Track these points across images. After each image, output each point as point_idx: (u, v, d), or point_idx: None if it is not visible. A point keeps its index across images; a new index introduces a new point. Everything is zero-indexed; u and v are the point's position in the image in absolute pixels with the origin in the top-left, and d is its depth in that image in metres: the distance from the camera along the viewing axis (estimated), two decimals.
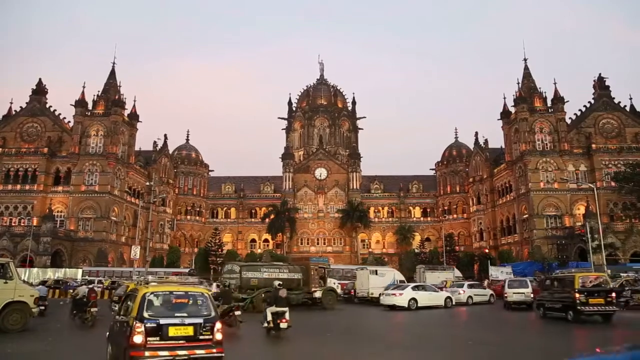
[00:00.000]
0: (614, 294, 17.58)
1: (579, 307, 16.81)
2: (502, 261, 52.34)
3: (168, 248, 63.61)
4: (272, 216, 66.61)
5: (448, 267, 42.65)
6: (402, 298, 24.36)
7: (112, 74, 62.31)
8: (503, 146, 64.50)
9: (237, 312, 15.17)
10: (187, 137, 78.11)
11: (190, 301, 8.13)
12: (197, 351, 7.59)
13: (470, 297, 28.20)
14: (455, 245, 65.41)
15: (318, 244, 71.04)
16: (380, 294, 26.26)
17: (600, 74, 60.25)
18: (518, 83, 60.65)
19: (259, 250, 67.41)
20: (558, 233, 52.28)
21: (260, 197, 75.36)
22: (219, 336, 7.86)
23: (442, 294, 26.71)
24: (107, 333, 9.28)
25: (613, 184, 52.77)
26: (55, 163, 57.67)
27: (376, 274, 31.47)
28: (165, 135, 71.43)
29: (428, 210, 75.06)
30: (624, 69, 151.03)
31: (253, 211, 74.99)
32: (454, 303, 26.27)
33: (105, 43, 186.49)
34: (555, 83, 58.38)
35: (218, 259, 59.80)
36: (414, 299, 24.44)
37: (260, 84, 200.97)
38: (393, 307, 24.24)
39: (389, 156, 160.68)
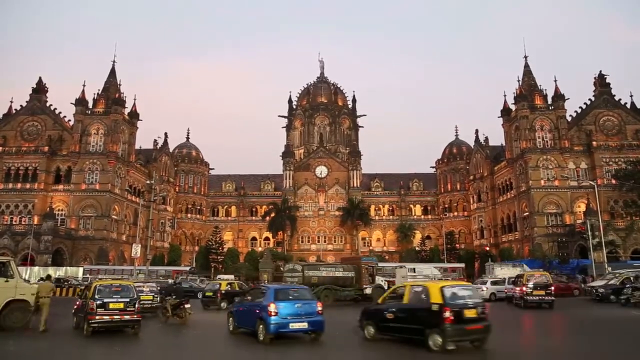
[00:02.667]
0: (552, 288, 22.87)
1: (525, 297, 22.54)
2: (503, 259, 52.31)
3: (169, 246, 63.72)
4: (272, 214, 66.67)
5: (517, 264, 42.97)
6: None
7: (113, 72, 62.25)
8: (503, 144, 64.48)
9: (187, 305, 16.99)
10: (188, 135, 78.26)
11: (122, 289, 14.17)
12: (125, 316, 13.55)
13: (493, 293, 29.39)
14: (456, 243, 65.55)
15: (319, 242, 71.02)
16: None
17: (600, 72, 60.18)
18: (518, 81, 60.54)
19: (260, 249, 67.33)
20: (559, 230, 52.33)
21: (260, 196, 75.38)
22: (139, 309, 13.91)
23: None
24: (73, 310, 15.18)
25: (614, 181, 52.77)
26: (56, 162, 57.73)
27: (414, 271, 33.47)
28: (165, 134, 71.46)
29: (429, 208, 75.02)
30: (624, 67, 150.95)
31: (254, 209, 75.05)
32: None
33: (106, 43, 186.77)
34: (555, 80, 58.40)
35: (219, 257, 60.03)
36: None
37: (260, 82, 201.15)
38: None
39: (389, 154, 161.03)
